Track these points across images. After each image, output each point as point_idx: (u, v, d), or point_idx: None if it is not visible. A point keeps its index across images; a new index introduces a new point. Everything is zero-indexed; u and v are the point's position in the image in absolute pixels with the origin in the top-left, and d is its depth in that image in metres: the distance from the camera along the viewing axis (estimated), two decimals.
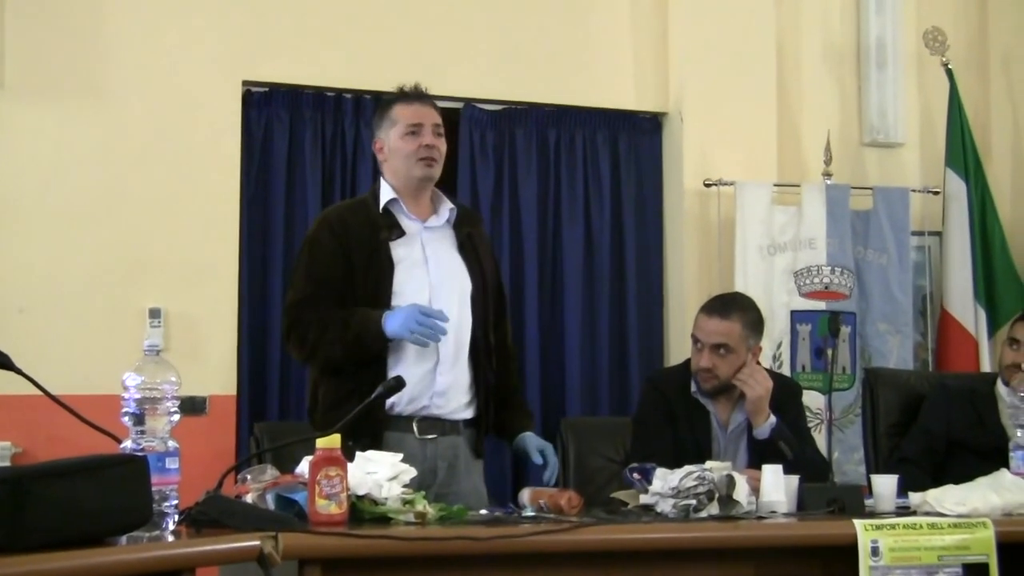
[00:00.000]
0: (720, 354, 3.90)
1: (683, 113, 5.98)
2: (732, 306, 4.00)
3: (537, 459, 3.68)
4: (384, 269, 3.59)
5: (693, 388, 3.99)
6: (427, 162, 3.67)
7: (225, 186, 5.39)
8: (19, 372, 2.67)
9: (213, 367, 5.27)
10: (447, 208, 3.75)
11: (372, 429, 3.45)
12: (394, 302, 3.55)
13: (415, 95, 3.76)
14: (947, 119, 6.25)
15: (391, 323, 3.47)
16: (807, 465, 3.64)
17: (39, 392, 2.66)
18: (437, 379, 3.58)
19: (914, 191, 6.18)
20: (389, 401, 3.50)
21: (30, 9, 5.21)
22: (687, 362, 4.06)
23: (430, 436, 3.59)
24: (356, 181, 5.51)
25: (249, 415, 5.30)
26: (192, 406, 5.06)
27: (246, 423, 5.23)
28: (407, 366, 3.53)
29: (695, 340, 3.97)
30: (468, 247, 3.74)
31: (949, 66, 6.27)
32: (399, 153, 3.68)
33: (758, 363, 4.01)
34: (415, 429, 3.57)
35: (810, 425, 4.49)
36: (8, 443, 4.96)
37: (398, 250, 3.63)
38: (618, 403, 5.83)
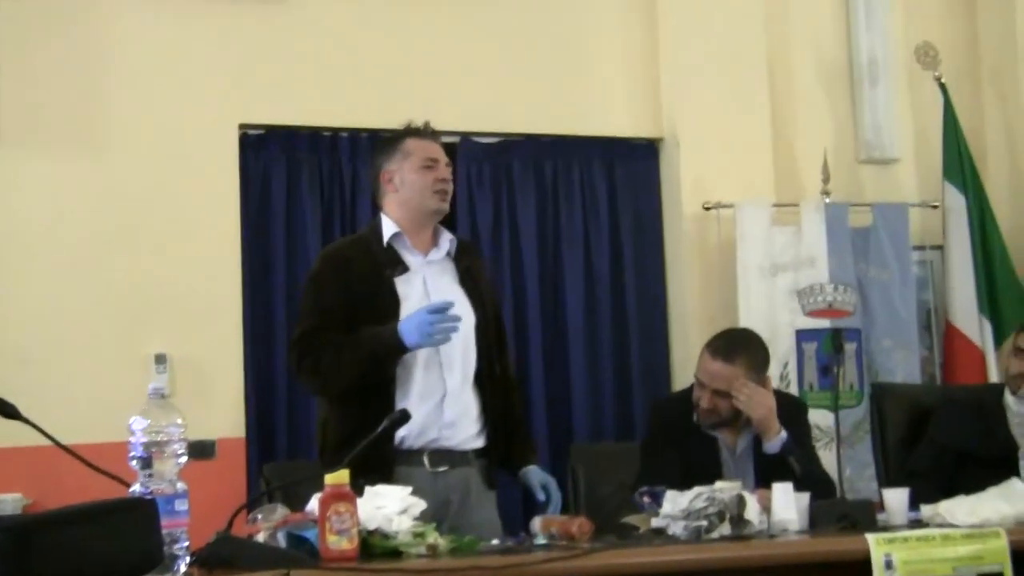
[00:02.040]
0: (721, 396, 3.88)
1: (678, 137, 5.99)
2: (737, 348, 3.93)
3: (540, 496, 3.66)
4: (389, 306, 3.58)
5: (695, 417, 3.97)
6: (442, 195, 3.69)
7: (225, 229, 5.41)
8: (27, 421, 2.66)
9: (221, 410, 5.28)
10: (447, 239, 3.76)
11: (382, 464, 3.43)
12: None
13: (428, 132, 3.79)
14: (943, 133, 6.24)
15: (408, 335, 3.45)
16: (814, 482, 3.60)
17: (47, 442, 2.67)
18: (445, 411, 3.58)
19: (912, 206, 6.19)
20: (399, 435, 3.49)
21: (25, 61, 5.24)
22: (692, 388, 4.04)
23: (441, 468, 3.58)
24: (356, 219, 5.51)
25: (259, 457, 5.29)
26: (201, 450, 5.05)
27: (256, 465, 5.22)
28: (414, 399, 3.53)
29: (697, 380, 3.95)
30: (468, 279, 3.75)
31: (942, 80, 6.28)
32: (414, 185, 3.69)
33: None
34: (426, 462, 3.56)
35: (819, 443, 4.47)
36: (19, 494, 4.96)
37: (401, 286, 3.63)
38: (623, 427, 5.82)
